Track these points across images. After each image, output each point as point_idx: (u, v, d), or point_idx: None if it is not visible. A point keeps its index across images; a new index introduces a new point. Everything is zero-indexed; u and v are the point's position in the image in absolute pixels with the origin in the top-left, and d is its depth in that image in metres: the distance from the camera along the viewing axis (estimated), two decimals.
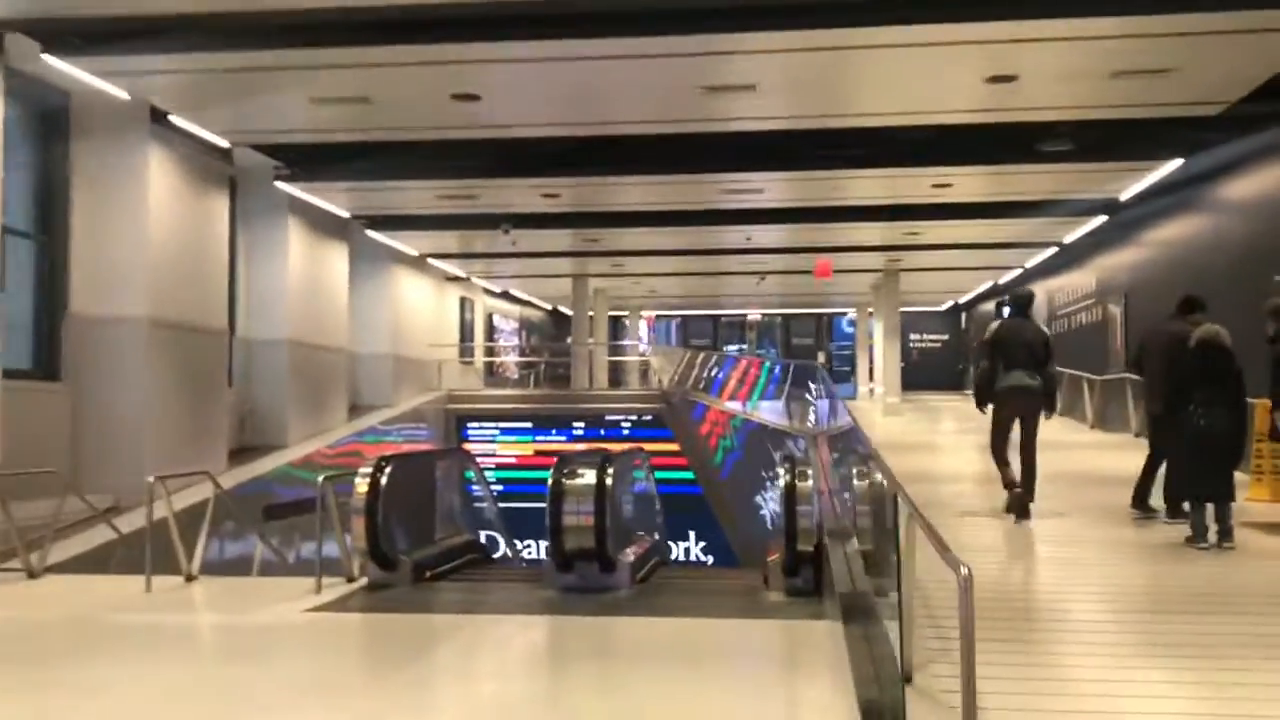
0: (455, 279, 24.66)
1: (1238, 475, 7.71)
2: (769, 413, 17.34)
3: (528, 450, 21.00)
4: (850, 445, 9.96)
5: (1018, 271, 23.31)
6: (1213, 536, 7.34)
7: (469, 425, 21.24)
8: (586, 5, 8.54)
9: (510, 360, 29.82)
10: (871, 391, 27.67)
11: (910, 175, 13.78)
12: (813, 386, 16.63)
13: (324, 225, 16.30)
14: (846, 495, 8.56)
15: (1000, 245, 19.73)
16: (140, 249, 11.46)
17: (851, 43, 9.01)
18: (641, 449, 11.07)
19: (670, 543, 13.00)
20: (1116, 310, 17.11)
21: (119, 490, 10.77)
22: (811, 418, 15.80)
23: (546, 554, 8.21)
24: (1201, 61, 9.25)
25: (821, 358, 30.85)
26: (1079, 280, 19.76)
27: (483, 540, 11.24)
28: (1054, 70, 9.65)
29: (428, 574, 8.38)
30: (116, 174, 11.41)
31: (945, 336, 33.62)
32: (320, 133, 12.04)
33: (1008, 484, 8.77)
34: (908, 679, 4.29)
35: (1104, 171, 13.50)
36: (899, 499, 3.87)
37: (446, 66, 9.71)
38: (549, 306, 34.11)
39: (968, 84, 10.04)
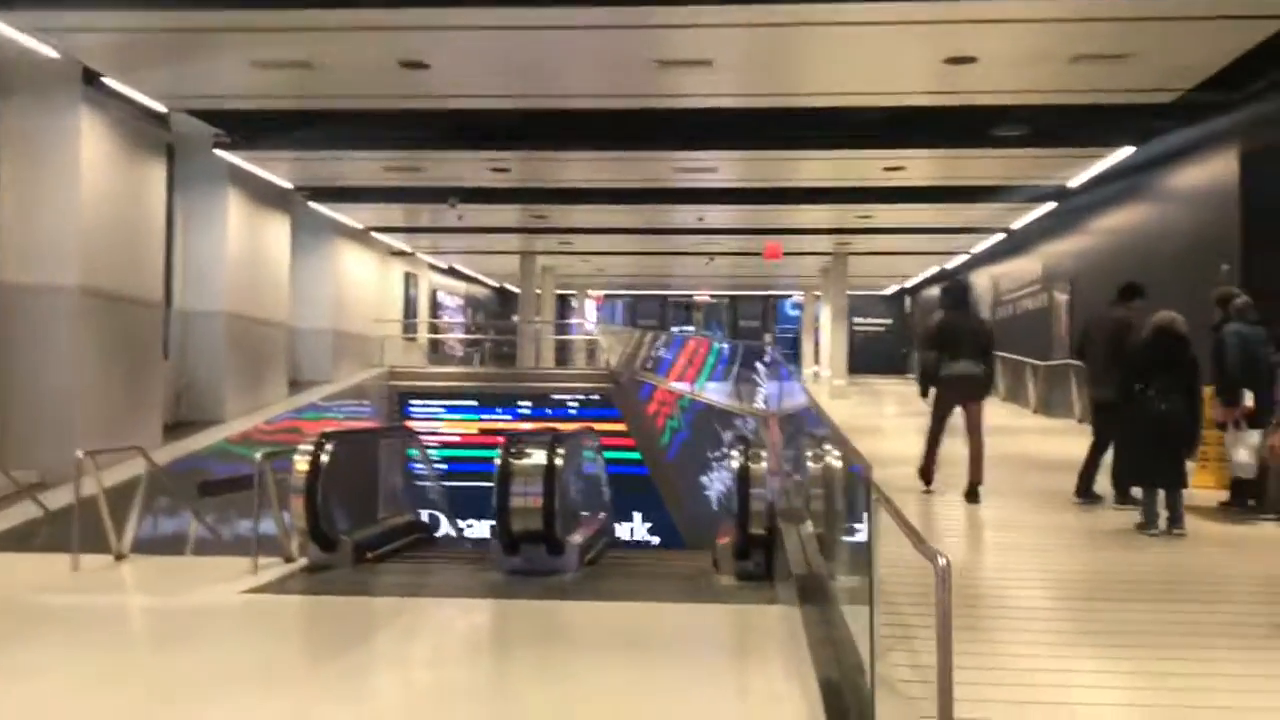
0: (400, 254, 24.25)
1: None
2: (718, 394, 17.25)
3: (472, 429, 20.75)
4: (802, 427, 9.87)
5: (964, 257, 23.44)
6: (1163, 524, 7.34)
7: (412, 402, 20.94)
8: None
9: (455, 338, 29.45)
10: (816, 374, 27.72)
11: (863, 157, 13.69)
12: (761, 368, 16.54)
13: (265, 196, 15.87)
14: (798, 477, 8.48)
15: (949, 230, 19.79)
16: (71, 216, 11.02)
17: (810, 19, 8.84)
18: (591, 429, 10.91)
19: (616, 523, 12.87)
20: (1062, 297, 17.22)
21: (47, 465, 10.38)
22: (761, 399, 15.72)
23: (493, 535, 8.03)
24: (1159, 47, 9.22)
25: (768, 339, 30.84)
26: (1025, 266, 19.88)
27: (425, 519, 11.03)
28: (1013, 53, 9.57)
29: (369, 555, 8.16)
30: (46, 137, 10.95)
31: (889, 321, 33.82)
32: (262, 99, 11.63)
33: (925, 471, 9.07)
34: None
35: (1055, 158, 13.51)
36: (870, 485, 3.72)
37: (395, 32, 9.40)
38: (495, 284, 33.75)
39: (926, 65, 9.93)
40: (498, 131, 12.70)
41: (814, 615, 5.44)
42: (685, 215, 18.90)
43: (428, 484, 11.78)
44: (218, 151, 13.72)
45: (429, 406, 20.93)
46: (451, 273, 29.41)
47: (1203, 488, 9.24)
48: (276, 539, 7.86)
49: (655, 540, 19.31)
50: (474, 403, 20.97)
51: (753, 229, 20.40)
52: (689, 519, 18.46)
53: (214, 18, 9.00)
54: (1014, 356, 18.69)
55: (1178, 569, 6.52)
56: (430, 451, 12.01)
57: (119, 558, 7.80)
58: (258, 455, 7.66)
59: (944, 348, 8.97)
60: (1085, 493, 8.67)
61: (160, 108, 11.95)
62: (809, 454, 7.39)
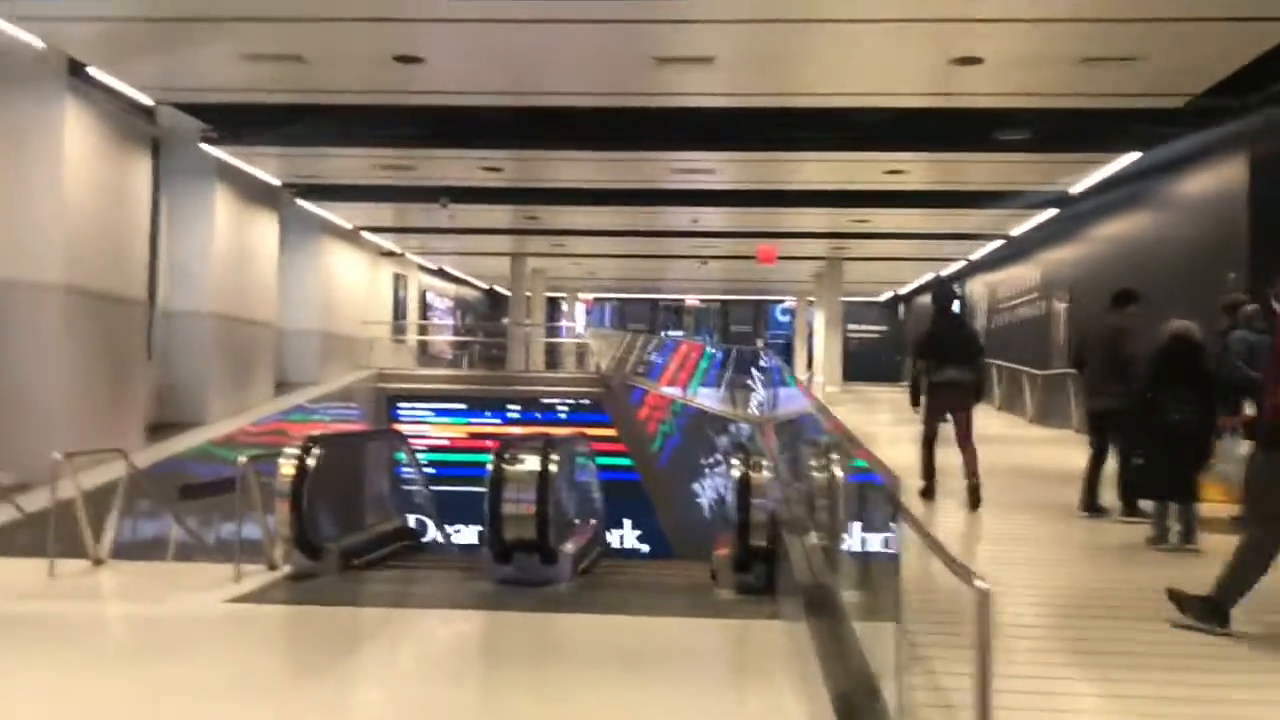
0: (389, 254, 23.96)
1: None
2: (711, 399, 17.02)
3: (461, 432, 20.46)
4: (801, 434, 9.64)
5: (961, 263, 23.27)
6: (1175, 538, 7.13)
7: (400, 405, 20.63)
8: None
9: (445, 339, 29.17)
10: (809, 380, 27.52)
11: (863, 160, 13.48)
12: (756, 373, 16.31)
13: (253, 193, 15.59)
14: (798, 485, 8.25)
15: (947, 236, 19.61)
16: (54, 211, 10.74)
17: (816, 14, 8.63)
18: (583, 434, 10.67)
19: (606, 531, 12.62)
20: (1061, 305, 17.05)
21: (26, 467, 10.06)
22: (756, 405, 15.50)
23: (484, 543, 7.78)
24: (1170, 50, 9.03)
25: (760, 344, 30.63)
26: (1023, 274, 19.72)
27: (413, 524, 10.76)
28: (1021, 54, 9.37)
29: (355, 562, 7.90)
30: (30, 129, 10.67)
31: (883, 328, 33.63)
32: (250, 92, 11.35)
33: (925, 479, 9.01)
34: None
35: (1058, 163, 13.30)
36: (897, 501, 3.48)
37: (388, 24, 9.14)
38: (485, 286, 33.49)
39: (931, 65, 9.73)
40: (491, 130, 12.45)
41: (822, 631, 5.20)
42: (679, 217, 18.69)
43: (415, 488, 11.51)
44: (204, 146, 13.43)
45: (417, 410, 20.63)
46: (441, 274, 29.14)
47: (1211, 501, 9.05)
48: (260, 544, 7.61)
49: (645, 548, 19.07)
50: (463, 406, 20.67)
51: (746, 232, 20.18)
52: (680, 527, 18.21)
53: (203, 5, 8.74)
54: (1011, 365, 18.52)
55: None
56: (418, 455, 11.72)
57: (97, 563, 7.53)
58: (241, 458, 7.38)
59: (932, 355, 9.09)
60: (1090, 506, 8.48)
61: (147, 100, 11.67)
62: (813, 462, 7.15)
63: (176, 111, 12.30)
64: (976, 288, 22.92)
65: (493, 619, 6.59)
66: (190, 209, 14.29)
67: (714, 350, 18.73)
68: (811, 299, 30.32)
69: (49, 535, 7.20)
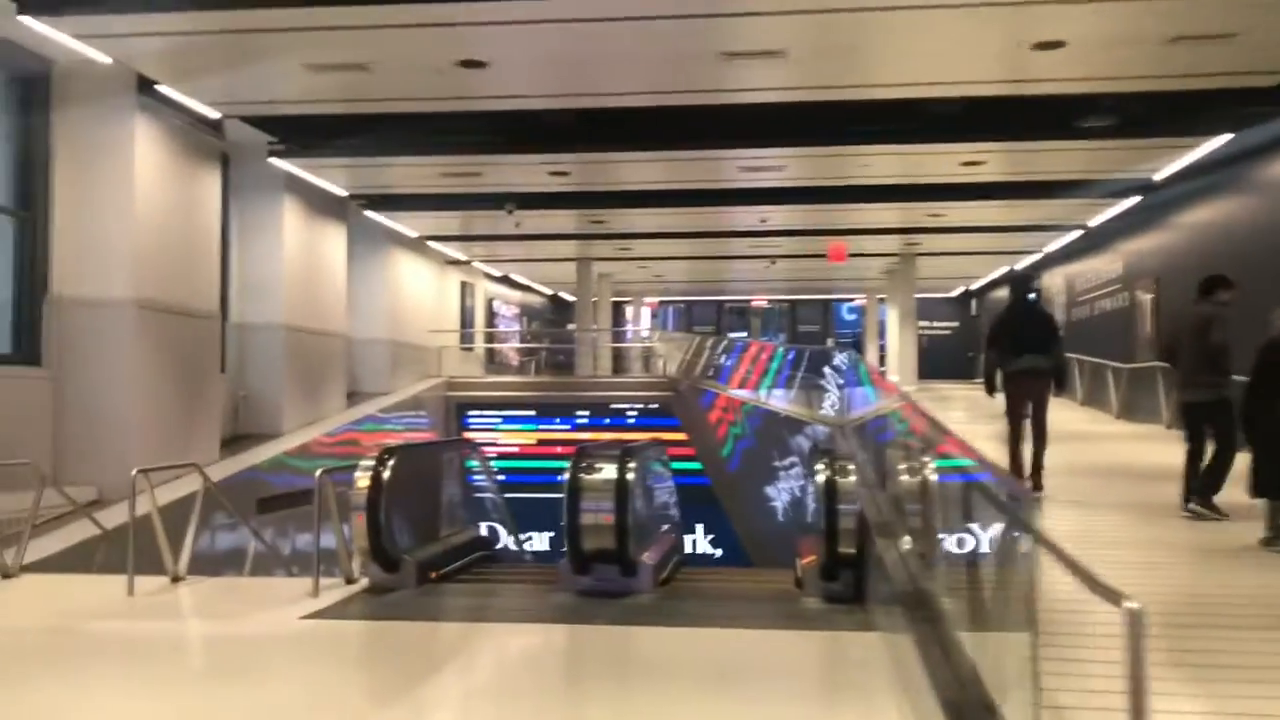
0: (455, 263, 23.98)
1: None
2: (784, 401, 16.71)
3: (530, 439, 20.39)
4: (885, 433, 9.35)
5: (1036, 256, 22.65)
6: None
7: (469, 413, 20.63)
8: None
9: (512, 347, 29.17)
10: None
11: (938, 152, 13.10)
12: (830, 373, 15.97)
13: (320, 205, 15.64)
14: (885, 488, 7.95)
15: (1023, 228, 19.06)
16: (126, 227, 10.79)
17: (890, 1, 8.33)
18: (659, 440, 10.47)
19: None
20: (1146, 297, 16.46)
21: (104, 483, 10.18)
22: (830, 405, 15.17)
23: (558, 551, 7.61)
24: (1266, 25, 8.59)
25: (830, 344, 30.20)
26: (1103, 265, 19.11)
27: (484, 532, 10.65)
28: (1106, 35, 8.98)
29: (433, 575, 7.78)
30: (101, 147, 10.74)
31: (955, 324, 32.94)
32: (316, 103, 11.35)
33: (1015, 472, 8.76)
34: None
35: (1142, 148, 12.81)
36: (1019, 517, 3.21)
37: (452, 29, 9.03)
38: (550, 292, 33.45)
39: (1009, 51, 9.38)
40: (556, 133, 12.31)
41: (925, 643, 4.91)
42: (746, 217, 18.42)
43: (488, 496, 11.42)
44: (272, 159, 13.46)
45: (486, 417, 20.61)
46: (506, 281, 29.15)
47: None
48: (336, 556, 7.52)
49: (718, 553, 18.82)
50: (532, 413, 20.60)
51: (815, 230, 19.81)
52: (753, 531, 17.94)
53: (268, 17, 8.69)
54: (1093, 359, 17.95)
55: None
56: (490, 463, 11.64)
57: (175, 580, 7.50)
58: (317, 472, 7.29)
59: (1008, 342, 9.07)
60: (1203, 502, 8.08)
61: (214, 114, 11.71)
62: (902, 465, 6.85)
63: (244, 126, 12.34)
64: (1053, 280, 22.29)
65: (574, 633, 6.40)
66: (260, 222, 14.35)
67: (785, 350, 18.37)
68: (882, 296, 29.81)
69: (128, 552, 7.17)
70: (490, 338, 27.57)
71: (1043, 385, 9.09)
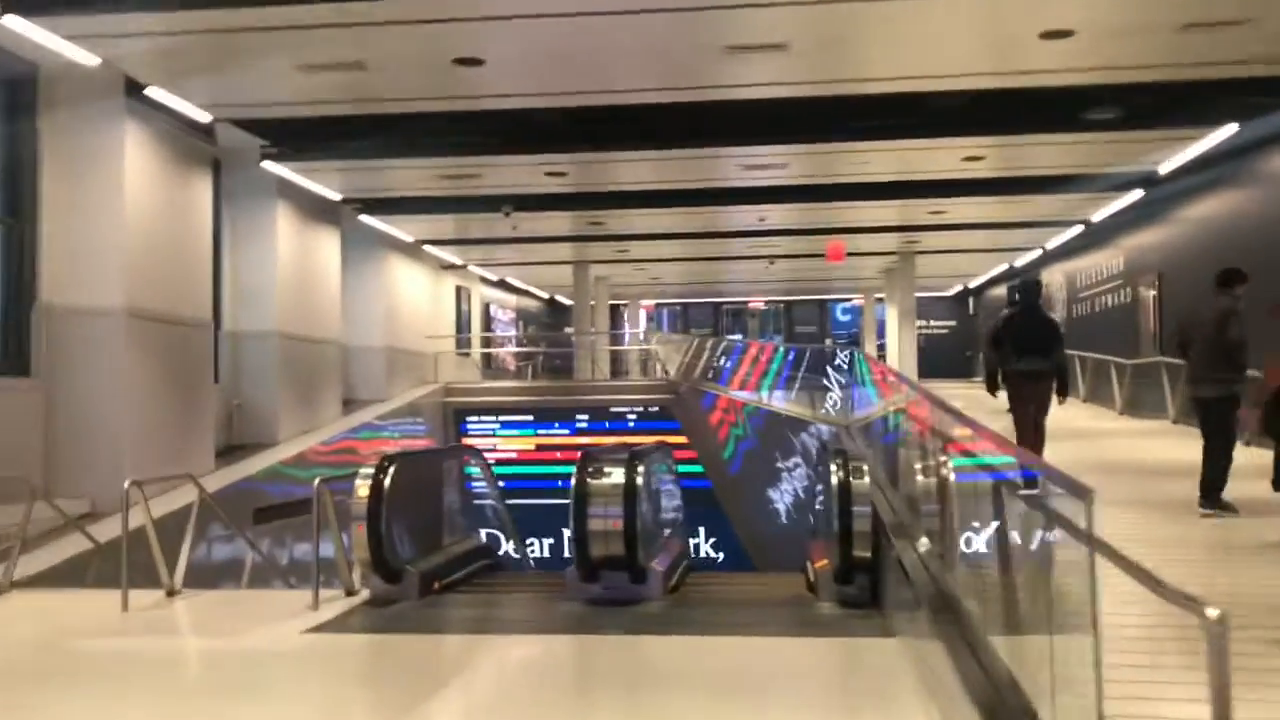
0: (451, 267, 23.78)
1: None
2: (786, 401, 16.53)
3: (529, 444, 20.19)
4: (894, 431, 9.15)
5: (1036, 253, 22.49)
6: None
7: (467, 419, 20.42)
8: None
9: (510, 351, 28.96)
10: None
11: (940, 147, 12.92)
12: (832, 372, 15.79)
13: (314, 209, 15.42)
14: (897, 488, 7.76)
15: (1023, 224, 18.89)
16: (116, 234, 10.56)
17: None
18: (665, 443, 10.28)
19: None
20: (1149, 292, 16.30)
21: (97, 495, 9.95)
22: (833, 405, 15.00)
23: (566, 559, 7.42)
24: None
25: (828, 344, 30.05)
26: (1104, 260, 18.96)
27: (484, 539, 10.47)
28: (1116, 23, 8.79)
29: (436, 585, 7.57)
30: (90, 152, 10.50)
31: (952, 323, 32.78)
32: (309, 105, 11.13)
33: None
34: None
35: (1147, 141, 12.64)
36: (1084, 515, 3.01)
37: (448, 25, 8.83)
38: (546, 296, 33.27)
39: (1018, 40, 9.20)
40: (553, 133, 12.12)
41: (953, 648, 4.71)
42: (745, 216, 18.23)
43: (489, 503, 11.23)
44: (265, 164, 13.25)
45: (485, 423, 20.40)
46: (502, 285, 28.96)
47: None
48: (335, 567, 7.32)
49: (720, 557, 18.65)
50: (530, 418, 20.39)
51: (814, 229, 19.63)
52: (756, 535, 17.77)
53: (258, 15, 8.48)
54: (1095, 355, 17.80)
55: None
56: (491, 470, 11.43)
57: (171, 594, 7.31)
58: (315, 481, 7.08)
59: (1010, 343, 9.12)
60: (1214, 502, 7.90)
61: (205, 117, 11.49)
62: (918, 465, 6.66)
63: (236, 129, 12.12)
64: (1054, 276, 22.13)
65: (584, 643, 6.20)
66: (253, 228, 14.13)
67: (786, 350, 18.20)
68: (880, 296, 29.65)
69: (121, 567, 6.96)
70: (487, 342, 27.36)
71: (1043, 387, 9.14)
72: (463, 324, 25.17)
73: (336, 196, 15.83)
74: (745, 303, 36.09)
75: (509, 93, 10.66)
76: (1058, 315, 20.39)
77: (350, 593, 7.22)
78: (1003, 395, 9.39)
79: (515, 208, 15.93)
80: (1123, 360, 16.55)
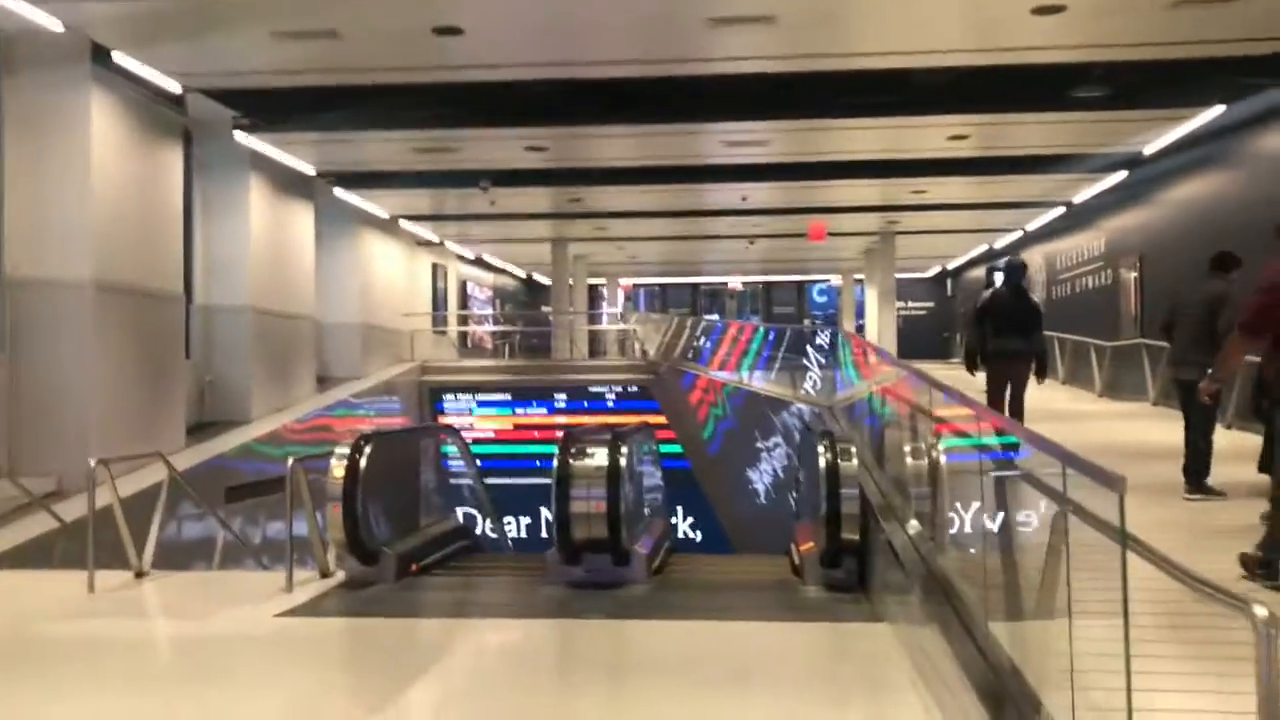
0: (427, 244, 23.47)
1: None
2: (767, 381, 16.40)
3: (506, 424, 20.00)
4: (875, 412, 9.03)
5: (1017, 234, 22.42)
6: None
7: (444, 398, 20.19)
8: None
9: (487, 329, 28.69)
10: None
11: (925, 125, 12.76)
12: (812, 353, 15.67)
13: (288, 183, 15.11)
14: (884, 469, 7.64)
15: (1006, 205, 18.80)
16: (83, 205, 10.24)
17: None
18: (647, 424, 10.13)
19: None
20: (1130, 274, 16.24)
21: (64, 473, 9.69)
22: (814, 384, 14.88)
23: (543, 539, 7.25)
24: None
25: (807, 324, 29.97)
26: (1085, 242, 18.90)
27: (460, 519, 10.31)
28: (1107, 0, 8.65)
29: (413, 567, 7.40)
30: (55, 119, 10.17)
31: (930, 304, 32.73)
32: (283, 74, 10.82)
33: None
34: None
35: (1133, 121, 12.52)
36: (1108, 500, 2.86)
37: None
38: (524, 274, 32.99)
39: (1007, 16, 9.03)
40: (533, 106, 11.83)
41: (950, 634, 4.57)
42: (727, 195, 18.02)
43: (467, 482, 11.07)
44: (238, 135, 12.93)
45: (461, 402, 20.19)
46: (479, 263, 28.66)
47: None
48: (309, 548, 7.13)
49: (698, 537, 18.56)
50: (507, 397, 20.19)
51: (795, 208, 19.46)
52: (735, 515, 17.69)
53: None
54: (1075, 337, 17.75)
55: None
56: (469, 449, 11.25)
57: (139, 575, 7.10)
58: (289, 461, 6.88)
59: (990, 323, 9.22)
60: (1198, 486, 7.83)
61: (175, 86, 11.18)
62: (909, 446, 6.53)
63: (207, 100, 11.81)
64: (1033, 258, 22.07)
65: (566, 628, 6.05)
66: (225, 201, 13.81)
67: (767, 330, 18.06)
68: (859, 277, 29.56)
69: (88, 547, 6.75)
70: (464, 320, 27.08)
71: (1021, 366, 9.24)
72: (439, 301, 24.87)
73: (311, 170, 15.52)
74: (724, 283, 35.94)
75: (489, 63, 10.40)
76: (1037, 296, 20.34)
77: (325, 574, 7.04)
78: (981, 375, 9.43)
79: (494, 183, 15.67)
80: (1102, 342, 16.51)
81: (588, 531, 6.87)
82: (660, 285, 36.62)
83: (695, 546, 17.76)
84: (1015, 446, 3.95)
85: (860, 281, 29.78)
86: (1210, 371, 6.55)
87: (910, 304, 31.88)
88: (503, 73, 10.70)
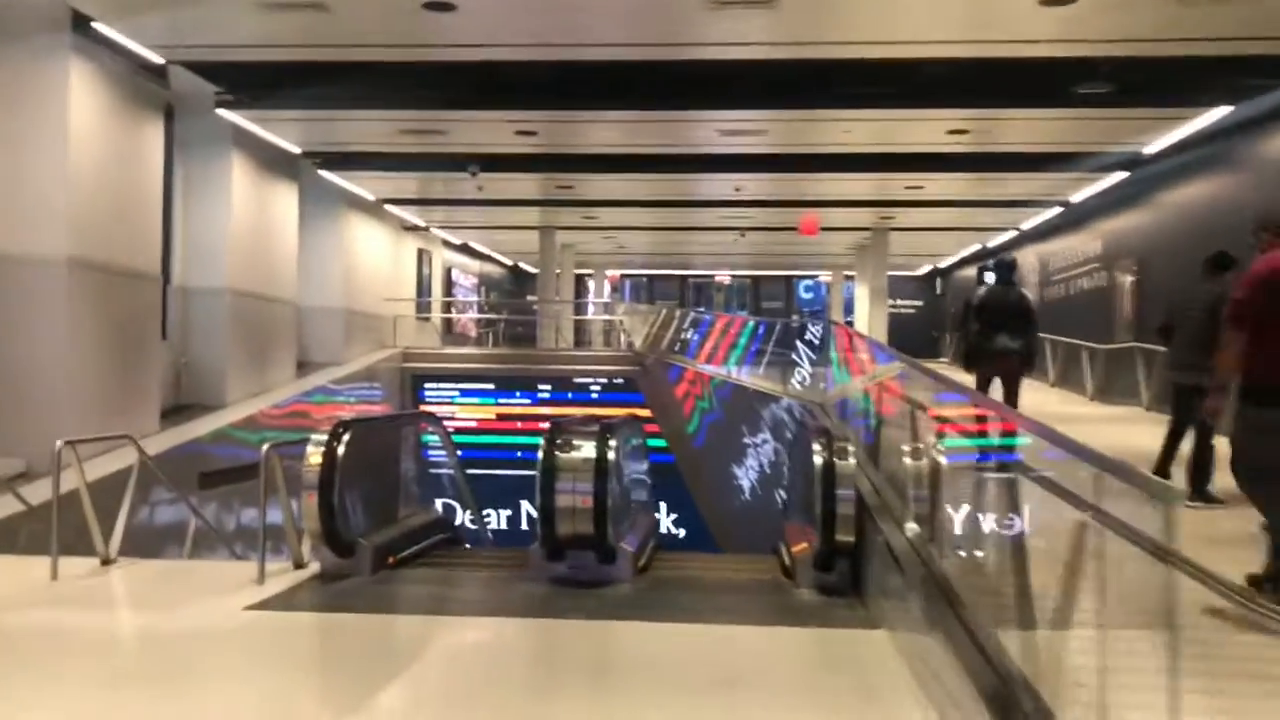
0: (413, 228, 23.15)
1: None
2: (756, 376, 16.15)
3: (489, 414, 19.73)
4: (864, 407, 8.79)
5: (1011, 233, 22.22)
6: None
7: (426, 386, 19.91)
8: None
9: (472, 317, 28.38)
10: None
11: (924, 118, 12.52)
12: (802, 347, 15.43)
13: (271, 162, 14.79)
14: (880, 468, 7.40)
15: (1002, 204, 18.60)
16: (59, 179, 9.94)
17: None
18: (636, 416, 9.89)
19: None
20: (1127, 277, 16.05)
21: (32, 454, 9.40)
22: (803, 379, 14.64)
23: (524, 531, 7.00)
24: None
25: (795, 318, 29.77)
26: (1080, 243, 18.71)
27: (439, 509, 10.03)
28: None
29: (390, 560, 7.13)
30: (31, 90, 9.86)
31: (920, 303, 32.57)
32: (267, 48, 10.50)
33: None
34: None
35: (1135, 119, 12.32)
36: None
37: None
38: (510, 262, 32.68)
39: (1015, 8, 8.80)
40: (525, 88, 11.55)
41: (954, 642, 4.33)
42: (719, 185, 17.76)
43: (447, 472, 10.80)
44: (220, 111, 12.59)
45: (443, 390, 19.90)
46: (465, 250, 28.34)
47: None
48: (283, 535, 6.86)
49: (681, 533, 18.34)
50: (491, 386, 19.93)
51: (787, 201, 19.22)
52: (719, 512, 17.46)
53: None
54: (1068, 340, 17.58)
55: None
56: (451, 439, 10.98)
57: (105, 562, 6.81)
58: (263, 448, 6.60)
59: (984, 322, 9.30)
60: (1200, 493, 7.65)
61: (157, 59, 10.85)
62: (907, 446, 6.28)
63: (190, 75, 11.48)
64: (1026, 258, 21.90)
65: (548, 628, 5.78)
66: (206, 179, 13.50)
67: (756, 323, 17.82)
68: (849, 273, 29.35)
69: (51, 533, 6.46)
70: (448, 307, 26.76)
71: (1015, 366, 9.36)
72: (423, 288, 24.56)
73: (295, 149, 15.19)
74: (711, 276, 35.71)
75: (480, 42, 10.11)
76: (1030, 297, 20.11)
77: (299, 565, 6.76)
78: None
79: (482, 168, 15.37)
80: (1095, 345, 16.35)
81: (572, 527, 6.61)
82: (647, 277, 36.37)
83: (678, 542, 17.55)
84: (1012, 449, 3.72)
85: (850, 278, 29.58)
86: (1212, 383, 6.40)
87: (899, 302, 31.73)
88: (493, 52, 10.42)
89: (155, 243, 11.85)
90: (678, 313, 21.00)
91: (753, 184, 17.55)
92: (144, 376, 11.46)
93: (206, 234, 13.51)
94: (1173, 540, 2.43)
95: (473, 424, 19.42)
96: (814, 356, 14.82)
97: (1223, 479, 7.50)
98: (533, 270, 29.94)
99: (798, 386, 14.83)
